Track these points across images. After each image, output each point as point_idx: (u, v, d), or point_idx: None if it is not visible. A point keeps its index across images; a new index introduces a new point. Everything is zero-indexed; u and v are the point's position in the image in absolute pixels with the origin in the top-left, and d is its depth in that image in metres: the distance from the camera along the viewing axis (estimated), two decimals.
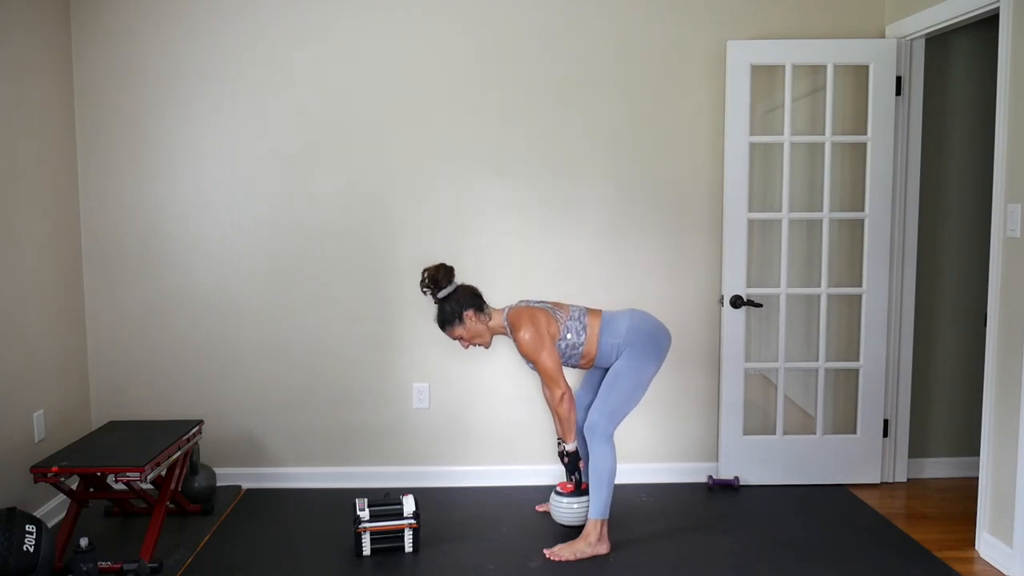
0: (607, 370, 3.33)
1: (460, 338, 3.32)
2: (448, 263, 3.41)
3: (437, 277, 3.28)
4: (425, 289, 3.30)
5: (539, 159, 3.93)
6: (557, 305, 3.35)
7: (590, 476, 3.26)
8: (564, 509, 3.40)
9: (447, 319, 3.29)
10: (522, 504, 3.79)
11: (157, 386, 4.01)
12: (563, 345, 3.26)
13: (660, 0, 3.88)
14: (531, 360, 3.27)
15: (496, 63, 3.89)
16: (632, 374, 3.24)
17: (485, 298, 3.37)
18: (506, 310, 3.34)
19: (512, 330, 3.27)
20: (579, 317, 3.29)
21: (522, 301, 3.41)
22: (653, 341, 3.29)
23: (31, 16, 3.54)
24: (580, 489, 3.39)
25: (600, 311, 3.35)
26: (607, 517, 3.26)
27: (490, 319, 3.32)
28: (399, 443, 4.06)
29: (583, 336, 3.27)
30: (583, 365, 3.36)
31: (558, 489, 3.43)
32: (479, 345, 3.36)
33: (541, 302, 3.37)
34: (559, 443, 3.39)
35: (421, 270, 3.37)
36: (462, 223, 3.96)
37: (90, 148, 3.90)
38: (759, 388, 4.13)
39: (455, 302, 3.27)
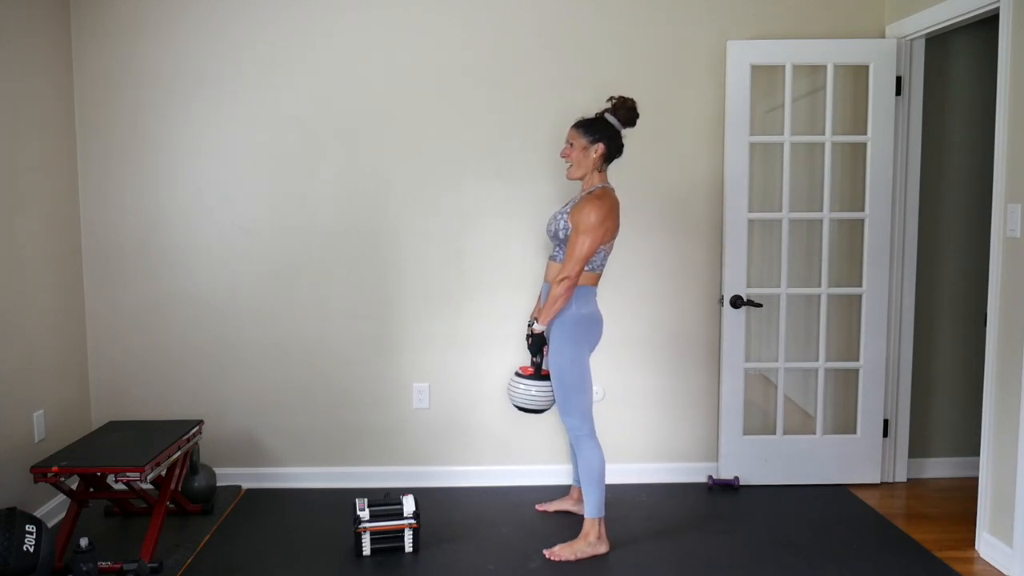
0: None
1: (571, 144, 3.25)
2: (637, 109, 3.30)
3: (625, 107, 3.24)
4: (612, 99, 3.27)
5: (539, 159, 3.93)
6: (613, 239, 3.27)
7: (581, 477, 3.25)
8: (520, 391, 3.31)
9: (588, 127, 3.22)
10: (522, 504, 3.79)
11: (157, 386, 4.01)
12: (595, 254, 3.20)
13: (660, 0, 3.88)
14: (575, 231, 3.14)
15: (496, 63, 3.89)
16: (574, 366, 3.20)
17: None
18: (607, 183, 3.26)
19: (592, 196, 3.18)
20: (601, 263, 3.24)
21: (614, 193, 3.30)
22: (582, 326, 3.22)
23: (31, 16, 3.54)
24: (540, 374, 3.32)
25: (597, 282, 3.29)
26: (603, 515, 3.26)
27: (597, 169, 3.25)
28: (399, 443, 4.06)
29: (589, 268, 3.20)
30: (548, 275, 3.28)
31: (518, 371, 3.36)
32: (569, 166, 3.27)
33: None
34: (530, 324, 3.31)
35: (620, 96, 3.30)
36: (462, 223, 3.96)
37: (90, 148, 3.90)
38: (759, 388, 4.13)
39: (606, 131, 3.22)
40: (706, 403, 4.08)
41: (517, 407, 3.37)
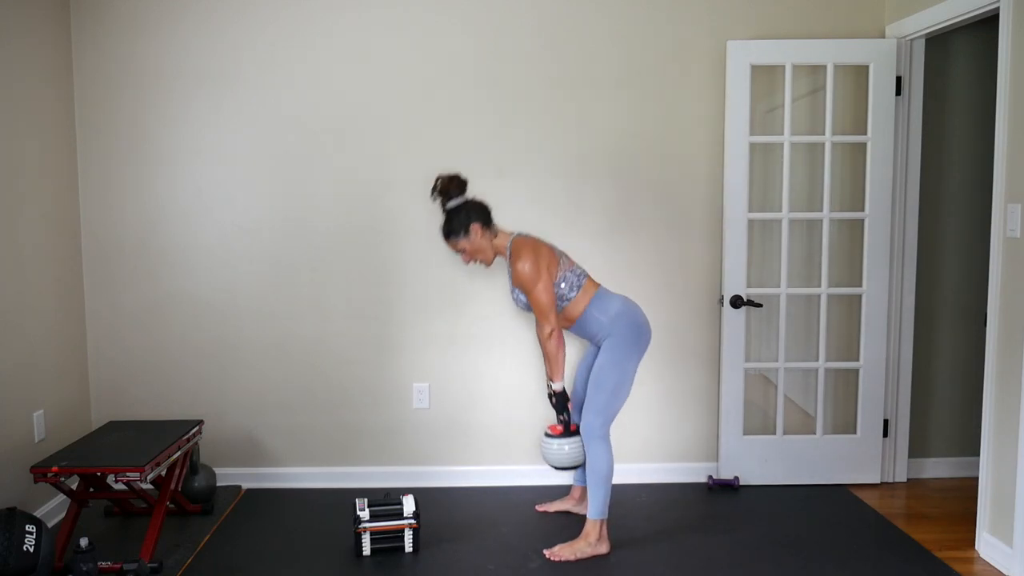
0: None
1: (463, 251, 3.28)
2: (462, 176, 3.33)
3: (449, 187, 3.25)
4: (436, 196, 3.27)
5: (539, 159, 3.93)
6: (564, 255, 3.31)
7: (587, 477, 3.26)
8: (554, 450, 3.33)
9: (453, 229, 3.24)
10: (522, 504, 3.79)
11: (157, 386, 4.01)
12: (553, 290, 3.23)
13: (660, 0, 3.88)
14: (524, 292, 3.21)
15: (496, 63, 3.89)
16: (615, 369, 3.22)
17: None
18: (513, 234, 3.30)
19: (512, 256, 3.22)
20: (579, 276, 3.27)
21: (529, 234, 3.35)
22: (636, 333, 3.25)
23: (31, 16, 3.54)
24: (569, 430, 3.33)
25: (599, 284, 3.33)
26: (606, 516, 3.26)
27: (495, 237, 3.29)
28: (399, 443, 4.06)
29: (574, 293, 3.23)
30: (561, 324, 3.30)
31: (548, 431, 3.37)
32: (480, 262, 3.32)
33: (551, 243, 3.33)
34: (548, 384, 3.34)
35: (435, 177, 3.31)
36: None
37: (90, 148, 3.90)
38: (759, 388, 4.13)
39: (464, 213, 3.23)
40: (706, 403, 4.08)
41: (554, 467, 3.40)
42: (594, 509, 3.23)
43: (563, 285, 3.23)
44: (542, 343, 3.25)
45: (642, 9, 3.88)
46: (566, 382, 3.57)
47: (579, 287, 3.25)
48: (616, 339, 3.23)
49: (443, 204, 3.27)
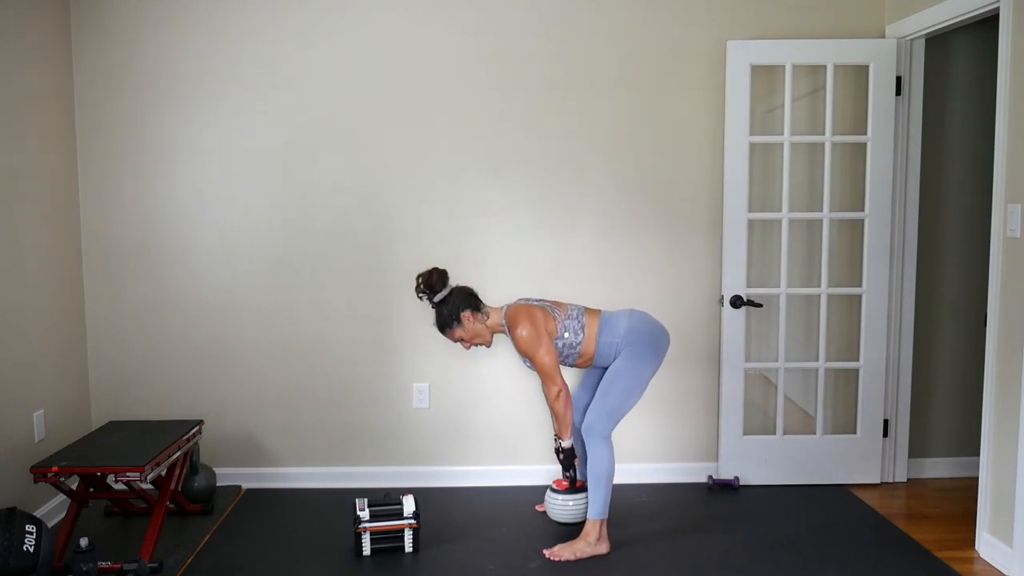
0: (605, 369, 3.33)
1: (460, 340, 3.34)
2: (441, 267, 3.40)
3: (431, 281, 3.30)
4: (421, 295, 3.32)
5: (538, 159, 3.93)
6: (556, 304, 3.36)
7: (588, 476, 3.26)
8: (559, 506, 3.42)
9: (445, 322, 3.30)
10: (522, 504, 3.79)
11: (157, 386, 4.01)
12: (560, 344, 3.27)
13: (660, 0, 3.88)
14: (528, 357, 3.27)
15: (495, 63, 3.89)
16: (630, 374, 3.24)
17: (482, 297, 3.38)
18: (504, 308, 3.35)
19: (509, 328, 3.28)
20: (577, 316, 3.30)
21: (520, 299, 3.42)
22: (651, 341, 3.28)
23: (31, 16, 3.54)
24: (575, 486, 3.40)
25: (599, 311, 3.36)
26: (606, 517, 3.26)
27: (488, 318, 3.33)
28: (399, 443, 4.06)
29: (581, 336, 3.27)
30: (580, 364, 3.36)
31: (553, 486, 3.44)
32: (481, 345, 3.37)
33: (540, 300, 3.38)
34: (556, 439, 3.41)
35: (415, 276, 3.38)
36: (461, 223, 3.96)
37: (90, 148, 3.90)
38: (759, 388, 4.13)
39: (452, 304, 3.29)
40: (706, 403, 4.08)
41: (558, 522, 3.45)
42: (594, 509, 3.24)
43: (567, 335, 3.27)
44: (550, 403, 3.30)
45: (642, 9, 3.88)
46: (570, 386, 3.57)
47: (583, 326, 3.28)
48: (632, 348, 3.25)
49: (430, 299, 3.31)
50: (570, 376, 3.80)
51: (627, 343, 3.26)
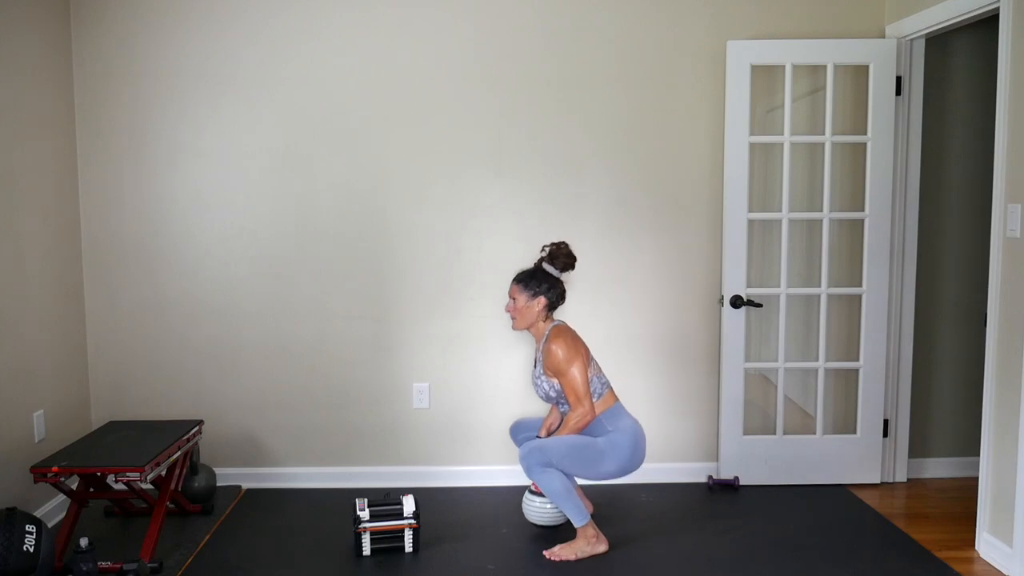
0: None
1: (513, 299, 3.34)
2: (576, 259, 3.40)
3: (559, 255, 3.33)
4: (545, 250, 3.36)
5: (538, 159, 3.93)
6: (595, 360, 3.37)
7: (550, 498, 3.23)
8: (536, 507, 3.41)
9: (527, 284, 3.31)
10: (522, 504, 3.79)
11: (157, 386, 4.01)
12: None
13: (660, 0, 3.88)
14: (558, 374, 3.24)
15: (495, 62, 3.89)
16: (595, 450, 3.21)
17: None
18: (557, 321, 3.37)
19: (549, 339, 3.28)
20: (603, 384, 3.32)
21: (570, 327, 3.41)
22: (631, 448, 3.25)
23: (31, 16, 3.54)
24: None
25: (618, 399, 3.39)
26: (589, 519, 3.24)
27: (543, 319, 3.35)
28: (399, 443, 4.06)
29: (594, 399, 3.28)
30: (565, 417, 3.36)
31: (531, 488, 3.42)
32: (513, 319, 3.36)
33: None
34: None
35: (558, 242, 3.38)
36: (461, 223, 3.96)
37: (90, 148, 3.90)
38: (759, 388, 4.13)
39: (546, 284, 3.31)
40: (706, 403, 4.08)
41: (534, 524, 3.45)
42: (574, 520, 3.22)
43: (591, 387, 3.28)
44: (572, 424, 3.23)
45: (642, 9, 3.89)
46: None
47: (600, 396, 3.29)
48: (615, 441, 3.23)
49: (541, 261, 3.34)
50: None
51: (619, 437, 3.24)
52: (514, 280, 3.36)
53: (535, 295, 3.31)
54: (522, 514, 3.67)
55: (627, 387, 4.04)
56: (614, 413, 3.30)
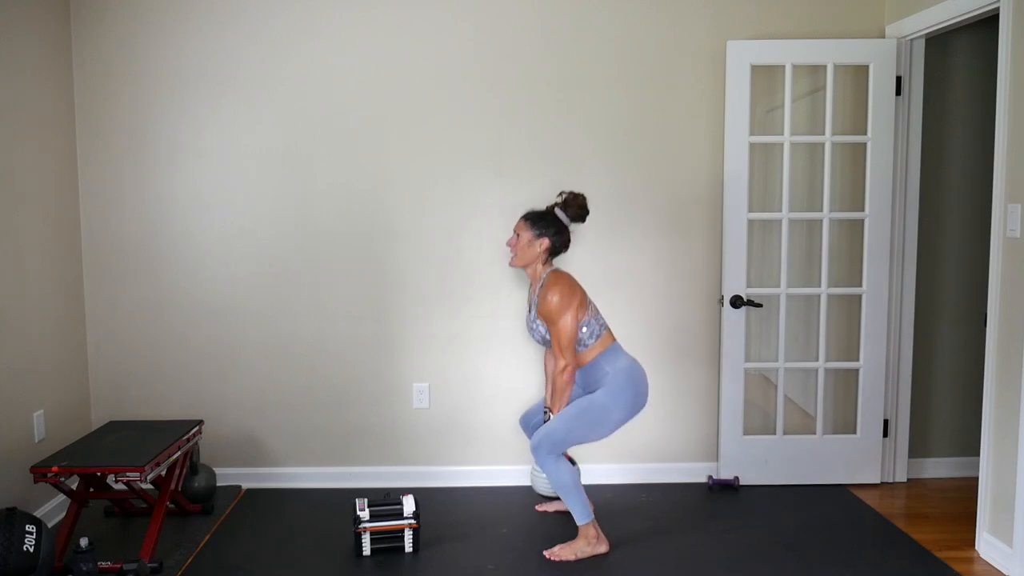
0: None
1: (517, 238, 3.33)
2: (587, 207, 3.40)
3: (573, 204, 3.33)
4: (561, 197, 3.36)
5: (538, 159, 3.93)
6: (592, 303, 3.34)
7: (557, 492, 3.24)
8: (544, 479, 3.44)
9: (534, 223, 3.30)
10: (522, 504, 3.79)
11: (157, 386, 4.01)
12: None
13: (660, 0, 3.88)
14: (549, 323, 3.23)
15: (495, 63, 3.89)
16: (600, 410, 3.21)
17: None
18: (553, 266, 3.35)
19: (545, 286, 3.25)
20: (601, 325, 3.30)
21: (568, 273, 3.38)
22: (633, 389, 3.24)
23: (31, 16, 3.54)
24: None
25: (615, 339, 3.35)
26: (593, 517, 3.25)
27: (543, 262, 3.33)
28: (399, 443, 4.06)
29: (592, 341, 3.26)
30: (550, 365, 3.37)
31: None
32: (513, 255, 3.35)
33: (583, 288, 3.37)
34: (545, 412, 3.36)
35: (572, 192, 3.40)
36: (461, 223, 3.96)
37: (90, 148, 3.90)
38: (759, 388, 4.13)
39: (552, 228, 3.30)
40: (706, 403, 4.08)
41: (540, 495, 3.47)
42: (578, 516, 3.22)
43: (584, 330, 3.26)
44: (554, 376, 3.27)
45: (642, 9, 3.88)
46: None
47: (598, 336, 3.28)
48: (613, 386, 3.23)
49: (554, 206, 3.34)
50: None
51: (614, 379, 3.23)
52: (523, 217, 3.35)
53: (540, 236, 3.30)
54: (522, 514, 3.67)
55: None
56: (612, 353, 3.28)
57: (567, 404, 3.27)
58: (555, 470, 3.18)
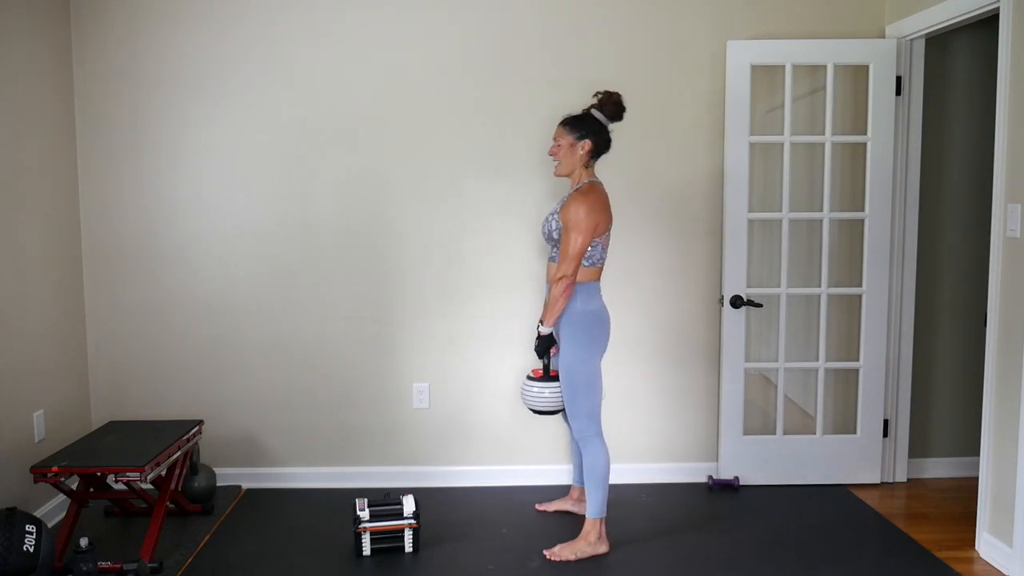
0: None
1: (559, 145, 3.25)
2: (623, 105, 3.29)
3: (608, 103, 3.24)
4: (597, 97, 3.27)
5: (539, 159, 3.93)
6: (609, 234, 3.29)
7: (585, 476, 3.25)
8: (535, 394, 3.33)
9: (574, 125, 3.22)
10: (522, 504, 3.79)
11: (157, 386, 4.01)
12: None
13: (660, 0, 3.88)
14: (565, 228, 3.14)
15: (496, 63, 3.89)
16: (582, 367, 3.19)
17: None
18: (595, 179, 3.26)
19: (582, 191, 3.18)
20: (601, 257, 3.23)
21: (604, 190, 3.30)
22: (597, 327, 3.22)
23: (31, 16, 3.54)
24: (549, 375, 3.33)
25: (599, 279, 3.28)
26: (604, 516, 3.26)
27: (583, 166, 3.24)
28: (399, 443, 4.06)
29: (586, 264, 3.19)
30: (551, 279, 3.25)
31: (530, 374, 3.38)
32: (556, 164, 3.27)
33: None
34: (537, 327, 3.31)
35: (607, 91, 3.30)
36: (461, 223, 3.96)
37: (90, 148, 3.90)
38: (759, 388, 4.13)
39: (592, 130, 3.22)
40: (706, 403, 4.08)
41: (532, 410, 3.38)
42: (593, 508, 3.24)
43: (589, 249, 3.19)
44: (551, 283, 3.20)
45: (642, 9, 3.88)
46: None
47: (594, 264, 3.22)
48: (575, 332, 3.18)
49: (591, 108, 3.26)
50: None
51: (578, 323, 3.18)
52: (561, 123, 3.26)
53: (581, 138, 3.21)
54: (522, 514, 3.68)
55: (627, 387, 4.04)
56: (590, 290, 3.21)
57: (558, 314, 3.18)
58: (597, 452, 3.20)
